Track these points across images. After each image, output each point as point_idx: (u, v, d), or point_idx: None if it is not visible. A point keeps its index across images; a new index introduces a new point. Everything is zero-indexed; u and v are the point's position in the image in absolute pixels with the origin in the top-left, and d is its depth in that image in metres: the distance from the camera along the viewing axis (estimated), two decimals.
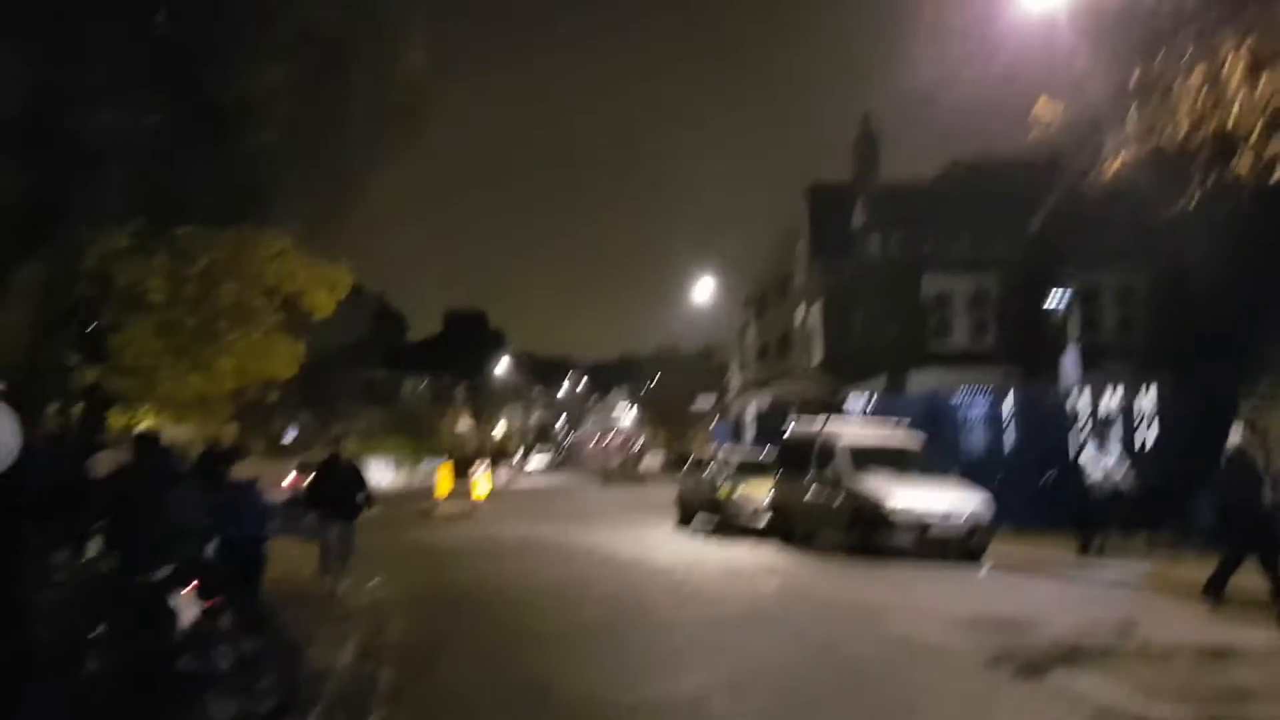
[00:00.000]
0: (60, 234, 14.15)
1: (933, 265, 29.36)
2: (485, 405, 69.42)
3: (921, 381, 26.93)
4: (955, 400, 21.02)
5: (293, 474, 23.01)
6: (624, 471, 54.25)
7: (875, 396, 24.84)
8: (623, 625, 9.70)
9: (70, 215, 14.17)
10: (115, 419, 18.17)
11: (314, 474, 12.86)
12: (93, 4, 12.54)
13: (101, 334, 15.31)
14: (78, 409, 17.62)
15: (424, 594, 12.11)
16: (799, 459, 17.76)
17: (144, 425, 15.97)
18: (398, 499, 28.33)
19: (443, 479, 30.12)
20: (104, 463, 7.40)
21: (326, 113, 14.71)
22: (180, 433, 19.65)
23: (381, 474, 38.12)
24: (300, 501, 12.96)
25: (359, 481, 12.47)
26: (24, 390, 13.45)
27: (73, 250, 14.26)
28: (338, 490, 12.13)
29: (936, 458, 16.93)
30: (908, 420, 19.01)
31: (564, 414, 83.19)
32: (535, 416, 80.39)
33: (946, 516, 14.83)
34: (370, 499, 12.38)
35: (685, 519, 22.16)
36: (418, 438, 50.67)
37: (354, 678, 7.23)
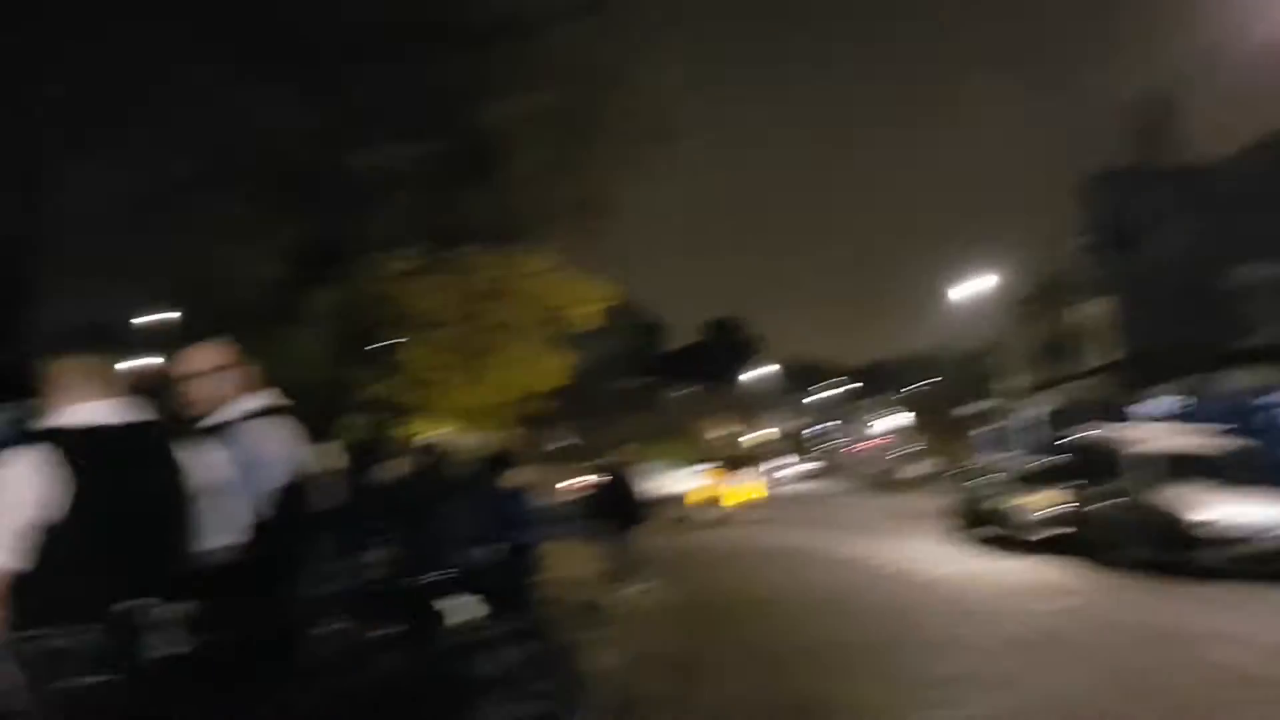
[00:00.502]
0: (352, 262, 15.48)
1: (1239, 254, 26.26)
2: (743, 412, 69.54)
3: (1227, 382, 24.15)
4: (1268, 402, 18.71)
5: (574, 479, 23.83)
6: (885, 478, 52.55)
7: (1175, 399, 22.57)
8: (891, 643, 9.20)
9: (360, 245, 15.47)
10: (403, 429, 19.57)
11: (597, 481, 13.26)
12: (369, 56, 13.58)
13: (390, 351, 16.59)
14: (368, 421, 19.14)
15: (688, 602, 12.09)
16: (1088, 467, 16.33)
17: (428, 435, 17.06)
18: (657, 506, 28.79)
19: (702, 486, 30.36)
20: (388, 471, 7.82)
21: (584, 136, 15.23)
22: (467, 441, 20.88)
23: (643, 481, 38.87)
24: (582, 508, 13.36)
25: (637, 491, 12.82)
26: (324, 404, 14.80)
27: (363, 276, 15.55)
28: (619, 498, 12.44)
29: (1249, 466, 15.04)
30: (1213, 425, 17.06)
31: (822, 419, 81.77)
32: (793, 422, 79.56)
33: (1264, 530, 13.11)
34: (649, 508, 12.75)
35: (955, 530, 21.03)
36: (677, 445, 51.48)
37: (623, 686, 7.24)
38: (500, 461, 7.79)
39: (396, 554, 6.40)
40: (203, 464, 2.89)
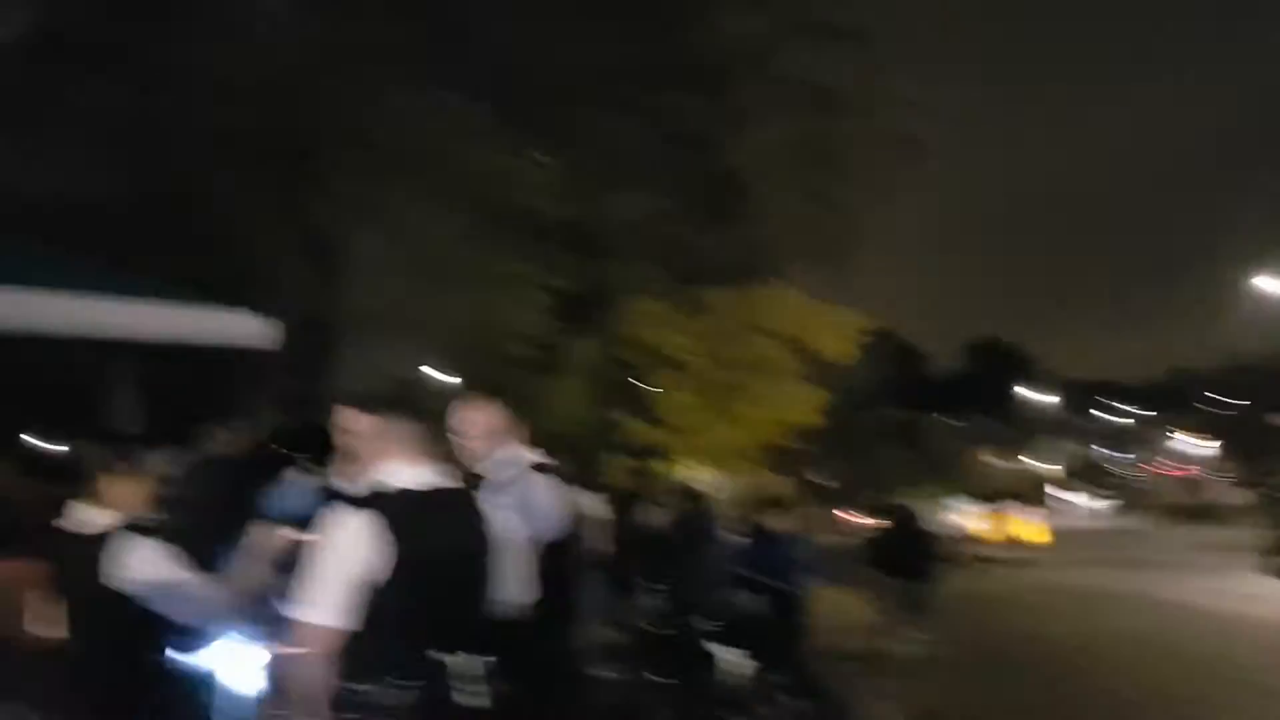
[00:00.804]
0: (607, 310, 15.96)
1: None
2: (1019, 440, 65.43)
3: None
4: None
5: (843, 519, 22.98)
6: (1190, 509, 47.57)
7: None
8: (1233, 702, 8.06)
9: (614, 292, 15.92)
10: (661, 471, 19.83)
11: (881, 525, 11.88)
12: (612, 104, 14.00)
13: (645, 395, 16.90)
14: (627, 464, 19.54)
15: (980, 650, 11.21)
16: None
17: (683, 476, 17.16)
18: (941, 546, 27.34)
19: (983, 523, 28.68)
20: (652, 517, 7.82)
21: (832, 163, 14.98)
22: (726, 484, 20.88)
23: (926, 521, 37.24)
24: (866, 551, 11.60)
25: (924, 531, 11.44)
26: (585, 451, 15.24)
27: (616, 323, 15.98)
28: (905, 540, 10.92)
29: None
30: None
31: (1111, 445, 75.17)
32: (1077, 450, 73.74)
33: None
34: (936, 549, 11.20)
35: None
36: (947, 478, 49.11)
37: None
38: (766, 504, 7.58)
39: (664, 601, 6.35)
40: (497, 520, 2.97)
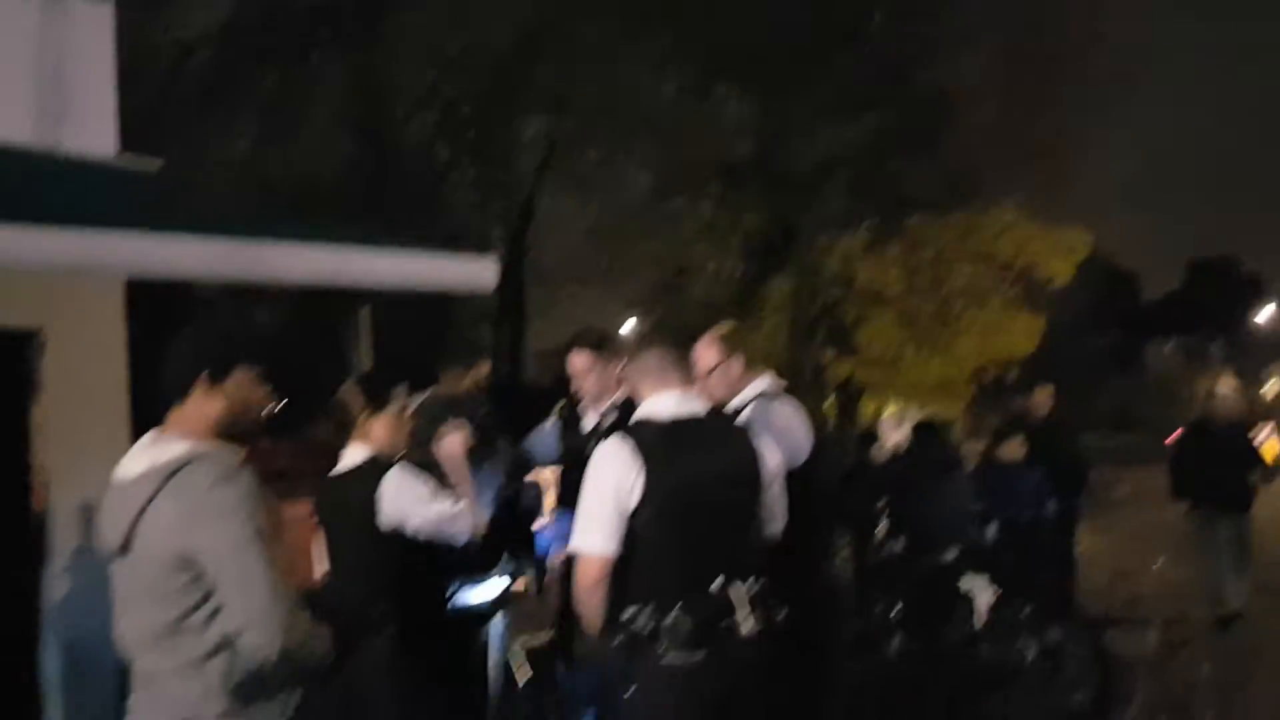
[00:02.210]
0: (802, 246, 15.62)
1: None
2: (1252, 363, 60.17)
3: None
4: None
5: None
6: None
7: None
8: None
9: (808, 228, 15.57)
10: (865, 408, 19.41)
11: (1180, 441, 8.66)
12: (814, 35, 13.56)
13: (848, 330, 16.50)
14: (830, 402, 19.22)
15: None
16: None
17: (893, 413, 16.69)
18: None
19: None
20: (879, 450, 7.62)
21: (1036, 81, 14.04)
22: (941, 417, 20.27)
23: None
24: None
25: (1251, 453, 8.10)
26: (789, 391, 15.02)
27: (814, 259, 15.62)
28: (1216, 463, 7.81)
29: None
30: None
31: None
32: None
33: None
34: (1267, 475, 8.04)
35: None
36: (1171, 407, 45.82)
37: (1164, 672, 6.34)
38: (999, 434, 7.22)
39: (903, 531, 6.17)
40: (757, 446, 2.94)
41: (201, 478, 2.15)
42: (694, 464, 2.65)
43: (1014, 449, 6.92)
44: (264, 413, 2.40)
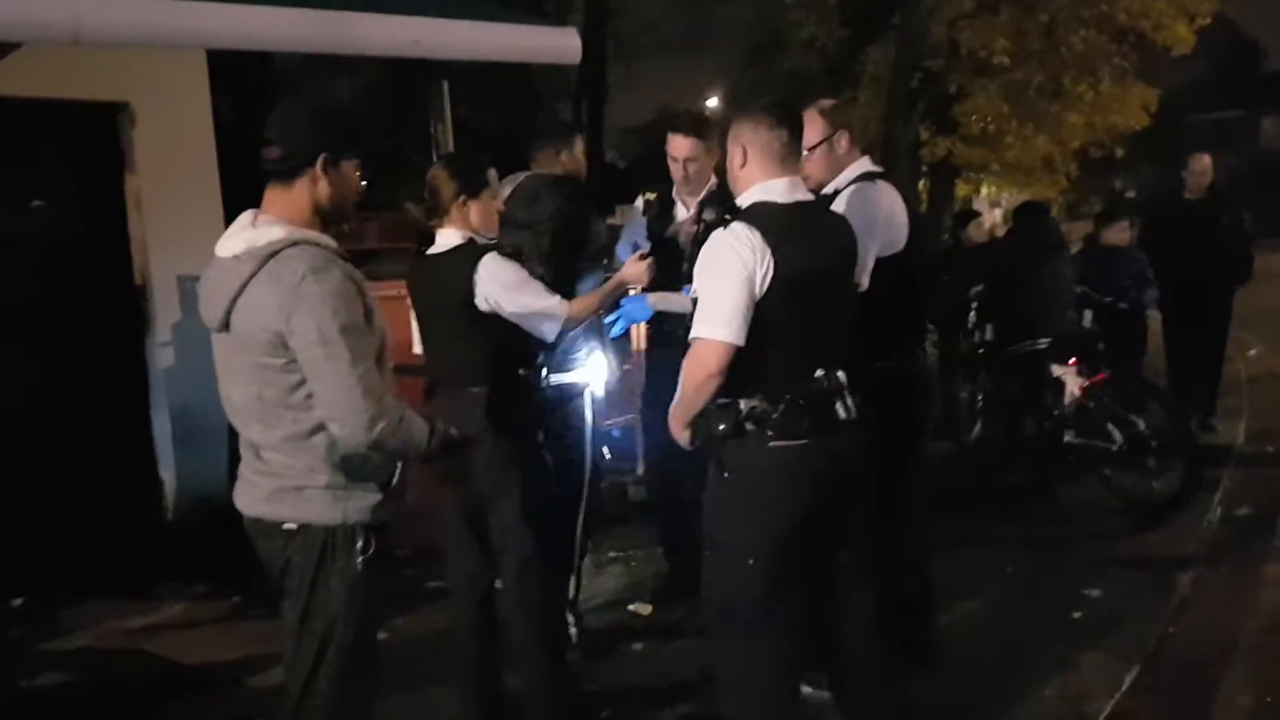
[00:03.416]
0: (905, 11, 14.56)
1: None
2: None
3: None
4: None
5: None
6: None
7: None
8: None
9: None
10: (960, 188, 18.71)
11: None
12: None
13: (949, 104, 15.64)
14: (924, 183, 18.54)
15: None
16: None
17: (988, 191, 16.02)
18: None
19: None
20: (977, 231, 7.37)
21: None
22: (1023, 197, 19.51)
23: None
24: None
25: None
26: (885, 169, 14.47)
27: (916, 26, 14.58)
28: None
29: None
30: None
31: None
32: None
33: None
34: None
35: None
36: None
37: (1250, 462, 6.28)
38: (1103, 216, 6.88)
39: (996, 318, 6.04)
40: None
41: (296, 265, 2.15)
42: (812, 251, 2.60)
43: (1118, 233, 6.63)
44: (357, 195, 2.36)
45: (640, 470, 5.54)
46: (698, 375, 2.56)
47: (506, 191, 3.64)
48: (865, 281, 3.09)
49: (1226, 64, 38.60)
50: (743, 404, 2.56)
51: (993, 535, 5.00)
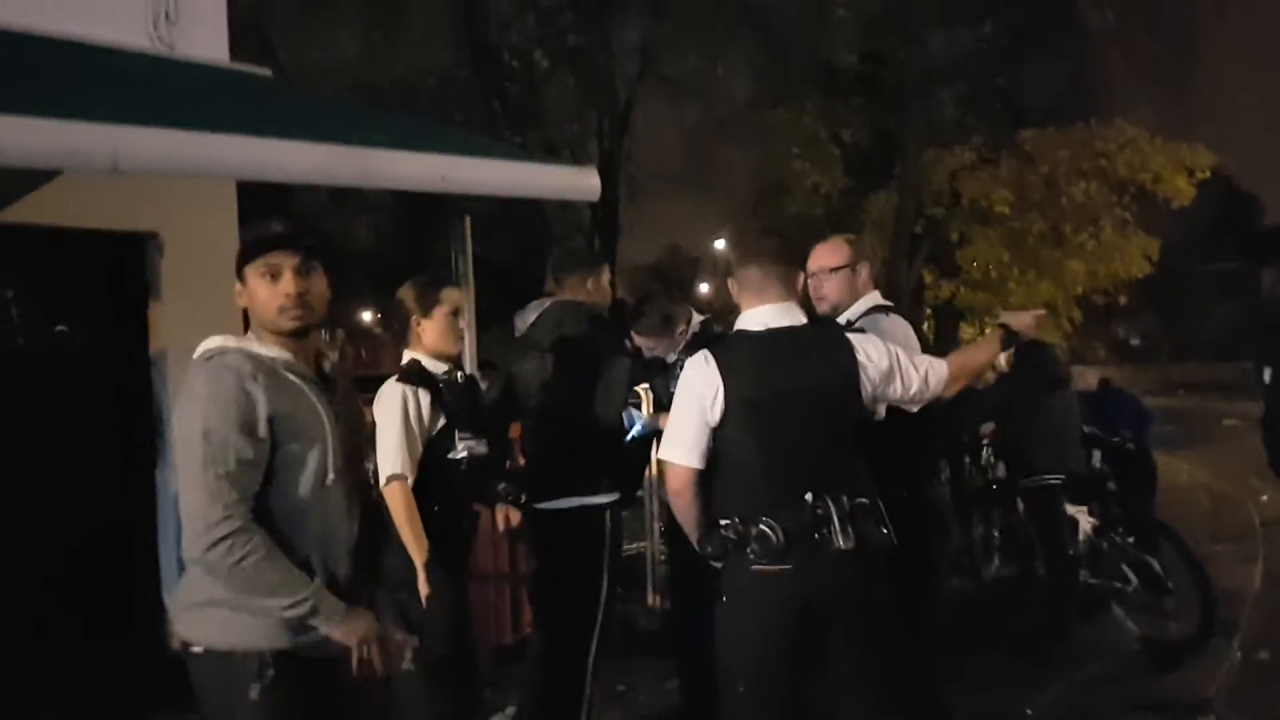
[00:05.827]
0: (907, 161, 15.07)
1: None
2: None
3: None
4: None
5: None
6: None
7: None
8: None
9: (913, 142, 15.00)
10: (965, 331, 18.91)
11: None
12: None
13: (952, 250, 15.97)
14: (928, 326, 18.74)
15: None
16: None
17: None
18: None
19: None
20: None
21: None
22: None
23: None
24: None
25: None
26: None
27: (918, 175, 15.08)
28: None
29: None
30: None
31: None
32: None
33: None
34: None
35: None
36: None
37: (1267, 606, 6.16)
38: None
39: (1007, 455, 6.05)
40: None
41: (195, 370, 2.15)
42: (782, 377, 2.63)
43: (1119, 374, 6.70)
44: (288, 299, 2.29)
45: (651, 600, 5.45)
46: (669, 494, 2.72)
47: (532, 317, 3.72)
48: (911, 392, 2.95)
49: (1226, 216, 39.51)
50: (723, 525, 2.61)
51: (1009, 676, 4.89)
